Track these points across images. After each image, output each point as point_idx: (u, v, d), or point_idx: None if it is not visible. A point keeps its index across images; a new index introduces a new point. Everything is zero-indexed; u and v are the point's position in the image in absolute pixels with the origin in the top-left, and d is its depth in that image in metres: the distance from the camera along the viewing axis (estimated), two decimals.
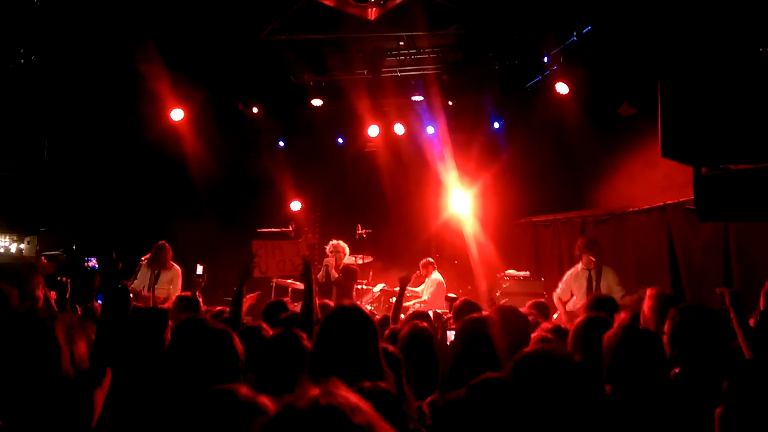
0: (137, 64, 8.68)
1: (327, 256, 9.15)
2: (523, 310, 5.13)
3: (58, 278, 4.18)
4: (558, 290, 7.39)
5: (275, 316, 4.16)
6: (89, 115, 9.45)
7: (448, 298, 5.92)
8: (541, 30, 8.29)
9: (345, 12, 8.02)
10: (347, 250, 9.01)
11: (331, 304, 4.90)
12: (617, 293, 6.76)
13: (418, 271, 9.09)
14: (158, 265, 7.47)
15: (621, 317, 4.03)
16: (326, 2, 7.74)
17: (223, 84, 10.03)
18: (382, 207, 11.38)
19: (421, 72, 9.99)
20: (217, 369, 2.32)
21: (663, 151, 3.64)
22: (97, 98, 9.31)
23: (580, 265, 7.26)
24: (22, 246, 9.34)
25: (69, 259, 8.30)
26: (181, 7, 7.85)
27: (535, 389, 2.07)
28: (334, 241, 9.04)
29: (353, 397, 1.17)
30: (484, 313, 3.61)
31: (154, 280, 7.32)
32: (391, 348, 3.10)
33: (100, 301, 4.86)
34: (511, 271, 8.91)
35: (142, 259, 7.53)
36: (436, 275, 9.14)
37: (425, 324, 3.82)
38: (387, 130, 11.13)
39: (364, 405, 1.16)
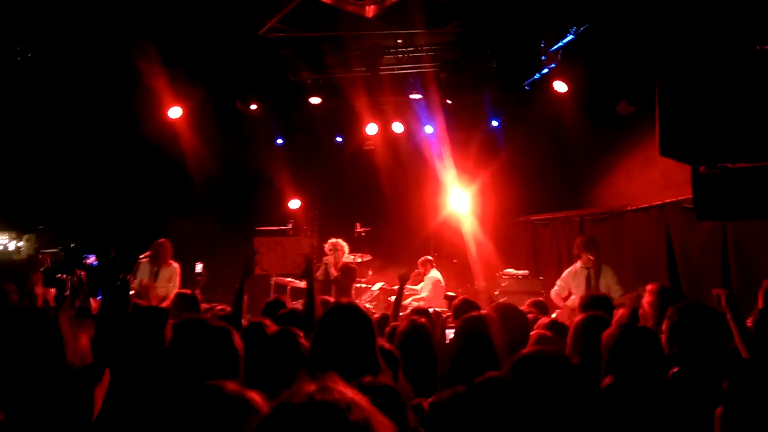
0: (135, 62, 8.67)
1: (326, 255, 9.14)
2: (522, 308, 5.14)
3: (57, 275, 4.18)
4: (556, 287, 7.40)
5: (274, 315, 4.16)
6: (87, 113, 9.43)
7: (447, 297, 5.93)
8: (539, 28, 8.29)
9: (343, 10, 8.02)
10: (346, 248, 9.01)
11: (332, 301, 4.90)
12: (616, 292, 6.78)
13: (416, 269, 9.09)
14: (158, 263, 7.48)
15: (619, 313, 4.05)
16: (324, 0, 7.74)
17: (221, 82, 10.01)
18: (381, 205, 11.38)
19: (420, 70, 9.98)
20: (217, 366, 2.32)
21: (661, 149, 3.64)
22: (96, 96, 9.30)
23: (578, 264, 7.27)
24: (20, 244, 9.33)
25: (67, 257, 8.29)
26: (179, 4, 7.84)
27: (532, 390, 2.08)
28: (333, 240, 9.05)
29: (350, 393, 1.17)
30: (483, 311, 3.62)
31: (154, 277, 7.32)
32: (387, 345, 3.10)
33: (99, 298, 4.86)
34: (510, 270, 8.91)
35: (141, 257, 7.53)
36: (434, 273, 9.15)
37: (423, 320, 3.82)
38: (385, 128, 11.12)
39: (362, 400, 1.16)
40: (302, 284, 8.69)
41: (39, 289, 3.69)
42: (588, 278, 7.08)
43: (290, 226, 10.15)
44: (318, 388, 1.16)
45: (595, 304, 4.49)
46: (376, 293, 9.14)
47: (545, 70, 8.81)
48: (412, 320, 3.80)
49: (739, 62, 3.51)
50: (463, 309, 4.20)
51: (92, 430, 2.18)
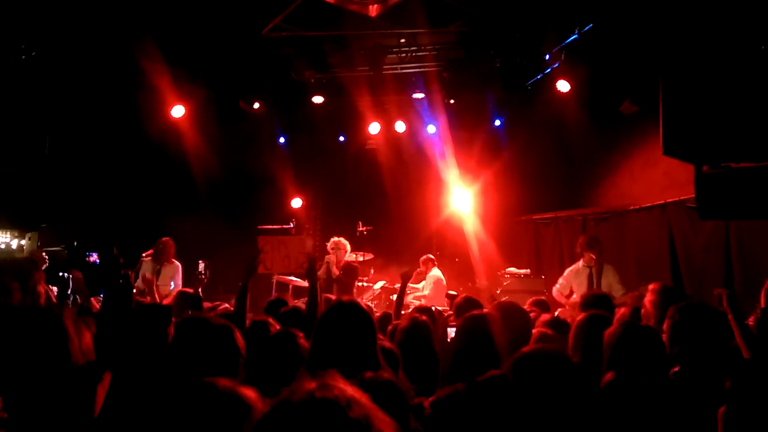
0: (138, 61, 8.68)
1: (328, 253, 9.15)
2: (524, 307, 5.14)
3: (60, 273, 4.19)
4: (557, 285, 7.39)
5: (276, 313, 4.16)
6: (90, 112, 9.44)
7: (448, 296, 5.93)
8: (542, 28, 8.27)
9: (346, 9, 8.02)
10: (348, 247, 9.01)
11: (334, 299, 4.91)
12: (618, 291, 6.77)
13: (418, 268, 9.10)
14: (160, 261, 7.51)
15: (620, 312, 4.04)
16: None
17: (224, 81, 10.02)
18: (383, 204, 11.38)
19: (422, 69, 9.97)
20: (218, 364, 2.33)
21: (664, 149, 3.64)
22: (98, 95, 9.31)
23: (581, 262, 7.27)
24: (23, 242, 9.34)
25: (70, 255, 8.31)
26: (182, 3, 7.84)
27: (532, 388, 2.08)
28: (335, 238, 9.05)
29: (350, 390, 1.16)
30: (485, 309, 3.61)
31: (156, 276, 7.34)
32: (387, 344, 3.10)
33: (101, 296, 4.88)
34: (512, 269, 8.90)
35: (143, 255, 7.55)
36: (435, 272, 9.15)
37: (425, 317, 3.82)
38: (388, 127, 11.12)
39: (362, 397, 1.16)
40: (304, 282, 8.70)
41: (41, 287, 3.70)
42: (590, 277, 7.08)
43: (292, 224, 10.15)
44: (318, 385, 1.16)
45: (596, 302, 4.49)
46: (377, 292, 9.15)
47: (548, 70, 8.80)
48: (413, 318, 3.81)
49: (743, 62, 3.51)
50: (465, 307, 4.19)
51: (94, 427, 2.18)
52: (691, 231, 7.48)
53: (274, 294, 8.35)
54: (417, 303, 8.40)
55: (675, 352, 3.04)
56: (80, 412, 2.14)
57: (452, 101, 10.29)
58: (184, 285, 7.29)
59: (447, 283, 9.05)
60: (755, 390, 2.40)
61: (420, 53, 9.78)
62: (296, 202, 11.59)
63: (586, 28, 7.86)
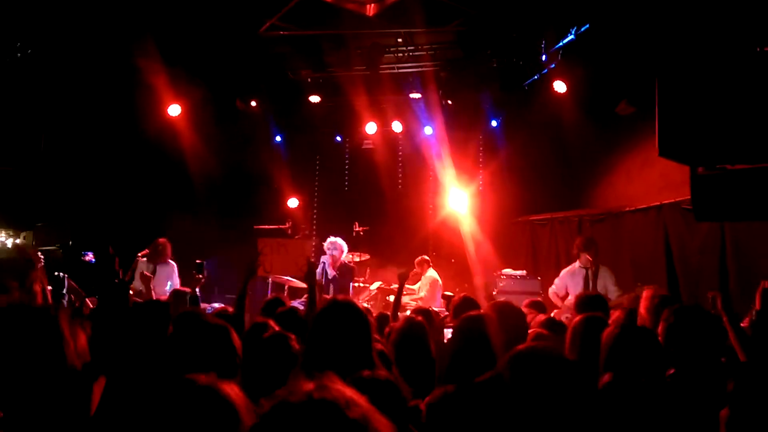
0: (135, 60, 8.66)
1: (324, 254, 9.13)
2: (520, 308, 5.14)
3: (55, 273, 4.18)
4: (553, 286, 7.41)
5: (274, 313, 4.16)
6: (86, 110, 9.42)
7: (445, 297, 5.92)
8: (539, 28, 8.29)
9: (343, 8, 8.02)
10: (345, 247, 9.00)
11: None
12: (613, 293, 6.79)
13: (414, 269, 9.09)
14: (155, 261, 7.49)
15: (615, 315, 4.05)
16: None
17: (221, 80, 10.00)
18: (380, 204, 11.38)
19: (420, 69, 9.98)
20: (215, 364, 2.32)
21: (660, 150, 3.65)
22: (95, 93, 9.29)
23: (577, 264, 7.28)
24: (18, 241, 9.31)
25: (65, 255, 8.29)
26: (179, 2, 7.83)
27: (528, 386, 2.07)
28: (332, 239, 9.03)
29: (348, 391, 1.17)
30: (482, 310, 3.61)
31: (152, 275, 7.32)
32: (379, 346, 3.09)
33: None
34: (508, 270, 8.91)
35: (139, 255, 7.53)
36: (431, 273, 9.15)
37: (420, 318, 3.82)
38: (385, 127, 11.12)
39: (360, 398, 1.16)
40: (300, 283, 8.69)
41: (38, 287, 3.68)
42: (586, 278, 7.09)
43: (289, 224, 10.14)
44: (316, 386, 1.16)
45: (591, 303, 4.49)
46: (374, 292, 9.14)
47: (545, 71, 8.81)
48: (408, 319, 3.80)
49: (738, 64, 3.52)
50: (462, 307, 4.19)
51: (89, 428, 2.17)
52: (687, 232, 7.50)
53: (270, 294, 8.34)
54: (414, 304, 8.42)
55: (670, 355, 3.04)
56: (76, 413, 2.13)
57: (449, 101, 10.30)
58: (182, 285, 7.28)
59: (443, 284, 9.05)
60: (758, 392, 2.41)
61: (417, 53, 9.79)
62: (293, 202, 11.57)
63: (583, 28, 7.88)
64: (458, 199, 9.92)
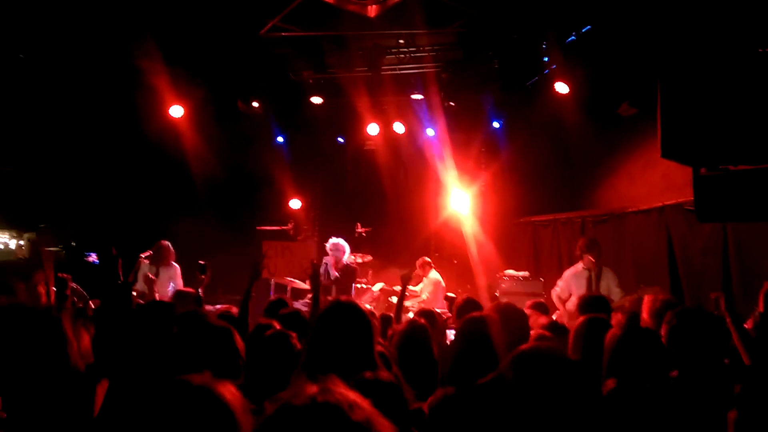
0: (136, 61, 8.67)
1: (326, 255, 9.14)
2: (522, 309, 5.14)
3: (58, 274, 4.18)
4: (557, 288, 7.40)
5: (277, 314, 4.16)
6: (88, 111, 9.44)
7: (447, 298, 5.93)
8: (541, 29, 8.28)
9: (345, 9, 8.01)
10: (347, 248, 9.00)
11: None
12: (616, 295, 6.78)
13: (416, 270, 9.08)
14: (158, 264, 7.50)
15: (617, 318, 4.05)
16: None
17: (222, 81, 10.02)
18: (382, 205, 11.38)
19: (421, 70, 9.98)
20: (217, 365, 2.32)
21: (662, 151, 3.65)
22: (97, 94, 9.30)
23: (580, 265, 7.27)
24: (21, 242, 9.33)
25: (68, 256, 8.31)
26: (180, 3, 7.84)
27: (530, 386, 2.07)
28: (334, 240, 9.04)
29: (351, 394, 1.17)
30: (484, 312, 3.61)
31: (156, 277, 7.33)
32: (379, 347, 3.09)
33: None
34: (510, 271, 8.91)
35: (141, 255, 7.54)
36: (434, 274, 9.14)
37: (423, 321, 3.82)
38: (386, 128, 11.11)
39: (363, 401, 1.17)
40: (302, 284, 8.70)
41: (42, 288, 3.69)
42: (589, 280, 7.08)
43: (291, 225, 10.14)
44: (320, 389, 1.16)
45: (593, 304, 4.50)
46: (376, 293, 9.14)
47: (547, 71, 8.81)
48: (411, 322, 3.81)
49: (740, 65, 3.51)
50: (465, 309, 4.20)
51: (92, 429, 2.18)
52: (689, 233, 7.50)
53: (273, 295, 8.35)
54: (416, 306, 8.42)
55: (673, 357, 3.04)
56: (79, 414, 2.13)
57: (451, 102, 10.30)
58: (185, 286, 7.29)
59: (446, 285, 9.05)
60: (766, 394, 2.41)
61: (419, 54, 9.79)
62: (295, 203, 11.58)
63: (585, 29, 7.87)
64: (460, 200, 9.92)
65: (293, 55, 9.64)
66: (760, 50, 3.49)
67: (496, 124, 10.72)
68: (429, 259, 9.38)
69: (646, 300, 4.20)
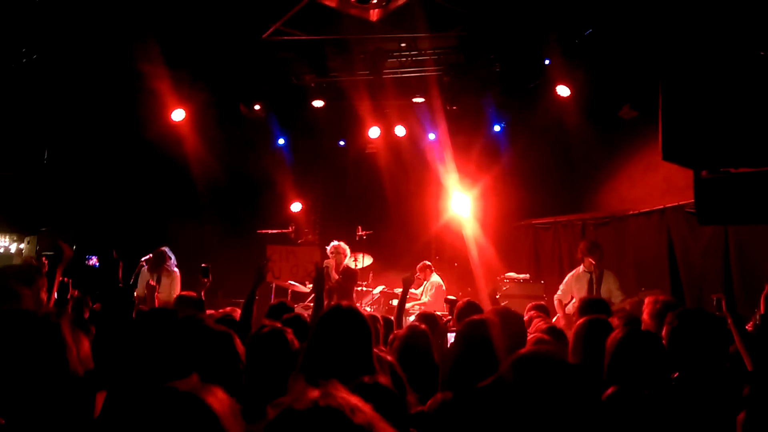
0: (138, 64, 8.69)
1: (327, 258, 9.14)
2: (525, 312, 5.15)
3: (64, 279, 4.18)
4: (559, 292, 7.39)
5: (279, 319, 4.16)
6: (90, 116, 9.45)
7: (447, 301, 5.93)
8: (542, 32, 8.29)
9: (346, 13, 8.02)
10: (348, 251, 9.01)
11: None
12: (617, 297, 6.78)
13: (416, 274, 9.08)
14: (158, 270, 7.51)
15: (614, 323, 4.04)
16: (328, 3, 7.74)
17: (224, 84, 10.03)
18: (383, 209, 11.38)
19: (423, 74, 9.98)
20: (217, 370, 2.32)
21: (663, 154, 3.65)
22: (99, 98, 9.32)
23: (581, 268, 7.27)
24: (22, 246, 9.34)
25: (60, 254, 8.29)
26: (183, 6, 7.86)
27: (528, 390, 2.07)
28: (335, 243, 9.04)
29: (353, 398, 1.18)
30: (484, 315, 3.61)
31: (157, 284, 7.34)
32: (380, 353, 3.09)
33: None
34: (511, 274, 8.91)
35: (142, 259, 7.56)
36: (435, 278, 9.15)
37: (423, 326, 3.82)
38: (388, 131, 11.13)
39: (364, 405, 1.17)
40: (303, 288, 8.70)
41: (44, 294, 3.69)
42: (590, 283, 7.08)
43: (292, 229, 10.15)
44: (321, 394, 1.17)
45: (593, 307, 4.49)
46: (377, 296, 9.14)
47: (548, 74, 8.81)
48: (411, 327, 3.81)
49: (742, 67, 3.52)
50: (466, 312, 4.19)
51: None
52: (690, 236, 7.50)
53: (273, 299, 8.36)
54: (417, 309, 8.43)
55: (674, 358, 3.04)
56: (78, 421, 2.13)
57: (452, 105, 10.31)
58: (186, 289, 7.29)
59: (446, 288, 9.05)
60: None
61: (420, 57, 9.80)
62: (296, 207, 11.59)
63: (586, 32, 7.88)
64: (461, 203, 9.92)
65: (295, 58, 9.65)
66: (762, 53, 3.49)
67: (497, 127, 10.73)
68: (429, 263, 9.38)
69: (647, 301, 4.20)
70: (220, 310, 5.09)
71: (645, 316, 4.10)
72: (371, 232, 9.77)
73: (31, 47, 8.04)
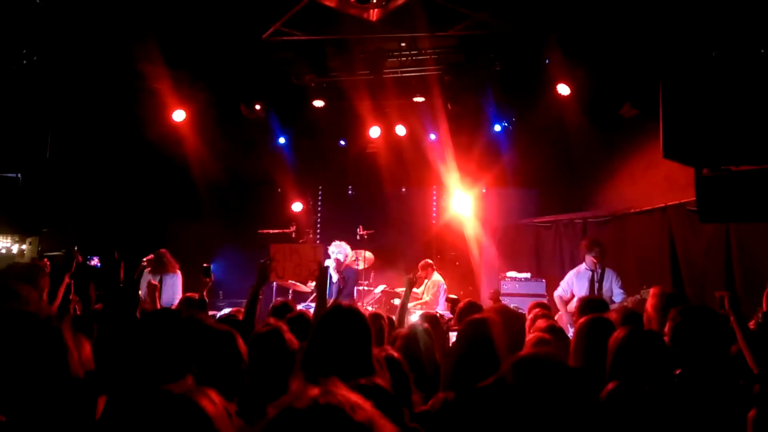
0: (139, 65, 8.70)
1: (328, 257, 9.14)
2: (527, 310, 5.15)
3: (69, 280, 4.18)
4: (559, 289, 7.39)
5: (283, 318, 4.16)
6: (92, 116, 9.46)
7: (449, 300, 5.94)
8: (542, 31, 8.28)
9: (346, 13, 8.02)
10: (349, 251, 9.00)
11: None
12: (618, 296, 6.78)
13: (418, 273, 9.09)
14: (160, 271, 7.52)
15: (612, 318, 4.04)
16: (328, 3, 7.74)
17: (225, 85, 10.04)
18: (384, 208, 11.38)
19: (423, 73, 9.98)
20: (220, 370, 2.32)
21: (664, 152, 3.65)
22: (100, 99, 9.32)
23: (583, 266, 7.28)
24: (23, 247, 9.35)
25: (68, 260, 8.29)
26: (183, 7, 7.86)
27: (528, 393, 2.07)
28: (337, 242, 9.04)
29: (353, 396, 1.18)
30: (485, 314, 3.61)
31: (159, 285, 7.34)
32: (389, 351, 3.09)
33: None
34: (512, 273, 8.91)
35: (144, 260, 7.56)
36: (436, 276, 9.15)
37: (426, 325, 3.82)
38: (388, 131, 11.13)
39: (365, 403, 1.17)
40: (304, 287, 8.70)
41: (46, 296, 3.69)
42: (591, 281, 7.08)
43: (293, 228, 10.15)
44: (321, 391, 1.17)
45: (593, 307, 4.50)
46: (378, 295, 9.15)
47: (548, 73, 8.81)
48: (413, 325, 3.81)
49: (742, 65, 3.52)
50: (468, 313, 4.19)
51: None
52: (692, 234, 7.49)
53: (275, 297, 8.36)
54: (418, 308, 8.43)
55: (676, 355, 3.04)
56: (79, 423, 2.13)
57: (452, 105, 10.30)
58: (188, 289, 7.30)
59: (448, 287, 9.05)
60: None
61: (420, 57, 9.79)
62: (297, 206, 11.60)
63: (586, 31, 7.87)
64: (462, 202, 9.92)
65: (295, 58, 9.65)
66: (762, 50, 3.49)
67: (497, 127, 10.73)
68: (431, 261, 9.38)
69: (652, 293, 4.19)
70: (226, 311, 5.10)
71: (648, 307, 4.10)
72: (372, 231, 9.77)
73: (32, 48, 8.04)
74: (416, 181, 11.54)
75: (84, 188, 9.76)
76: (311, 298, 8.65)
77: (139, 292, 6.69)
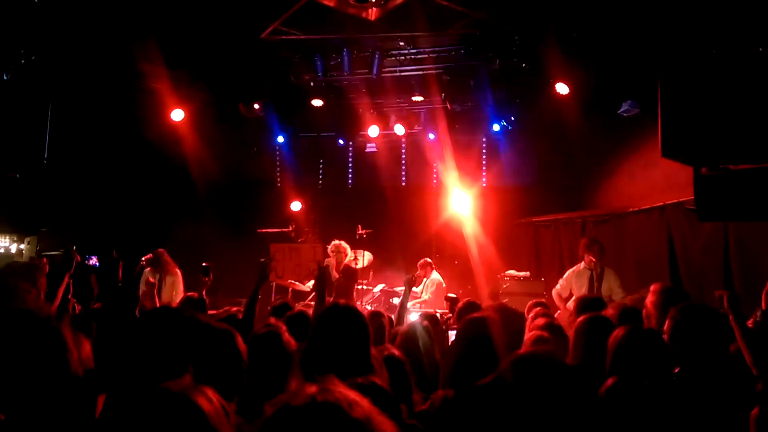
0: (138, 64, 8.69)
1: (328, 256, 9.14)
2: (526, 309, 5.15)
3: (69, 279, 4.18)
4: (558, 286, 7.40)
5: (283, 317, 4.16)
6: (90, 116, 9.45)
7: (448, 298, 5.93)
8: (542, 30, 8.29)
9: (345, 12, 8.03)
10: (348, 250, 9.00)
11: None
12: (618, 295, 6.79)
13: (417, 272, 9.09)
14: (159, 271, 7.52)
15: (609, 313, 4.05)
16: (327, 3, 7.75)
17: (223, 84, 10.04)
18: (383, 207, 11.38)
19: (422, 72, 9.98)
20: (219, 369, 2.33)
21: (663, 151, 3.66)
22: (98, 98, 9.32)
23: (582, 264, 7.28)
24: (22, 246, 9.35)
25: (66, 259, 8.29)
26: (182, 6, 7.86)
27: (527, 392, 2.08)
28: (335, 242, 9.05)
29: (351, 393, 1.18)
30: (484, 312, 3.61)
31: (159, 284, 7.34)
32: (391, 350, 3.10)
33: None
34: (512, 272, 8.91)
35: (143, 258, 7.56)
36: (435, 275, 9.15)
37: (426, 323, 3.83)
38: (387, 130, 11.13)
39: (362, 400, 1.17)
40: (303, 286, 8.70)
41: (44, 295, 3.69)
42: (591, 280, 7.09)
43: (292, 228, 10.15)
44: (319, 389, 1.17)
45: (590, 306, 4.50)
46: (377, 295, 9.15)
47: (547, 72, 8.81)
48: (412, 324, 3.81)
49: (741, 64, 3.52)
50: (466, 312, 4.20)
51: None
52: (690, 233, 7.50)
53: (273, 297, 8.36)
54: (417, 307, 8.43)
55: (675, 353, 3.05)
56: (79, 422, 2.13)
57: (451, 104, 10.30)
58: (188, 288, 7.30)
59: (447, 286, 9.05)
60: None
61: (419, 56, 9.79)
62: (296, 206, 11.59)
63: (586, 30, 7.88)
64: (461, 201, 9.92)
65: (294, 58, 9.65)
66: (760, 49, 3.50)
67: (496, 126, 10.73)
68: (430, 260, 9.38)
69: (652, 290, 4.19)
70: (225, 308, 5.09)
71: (648, 303, 4.10)
72: (371, 230, 9.76)
73: (30, 48, 8.04)
74: (415, 180, 11.54)
75: (83, 188, 9.75)
76: (310, 297, 8.65)
77: (138, 291, 6.71)
